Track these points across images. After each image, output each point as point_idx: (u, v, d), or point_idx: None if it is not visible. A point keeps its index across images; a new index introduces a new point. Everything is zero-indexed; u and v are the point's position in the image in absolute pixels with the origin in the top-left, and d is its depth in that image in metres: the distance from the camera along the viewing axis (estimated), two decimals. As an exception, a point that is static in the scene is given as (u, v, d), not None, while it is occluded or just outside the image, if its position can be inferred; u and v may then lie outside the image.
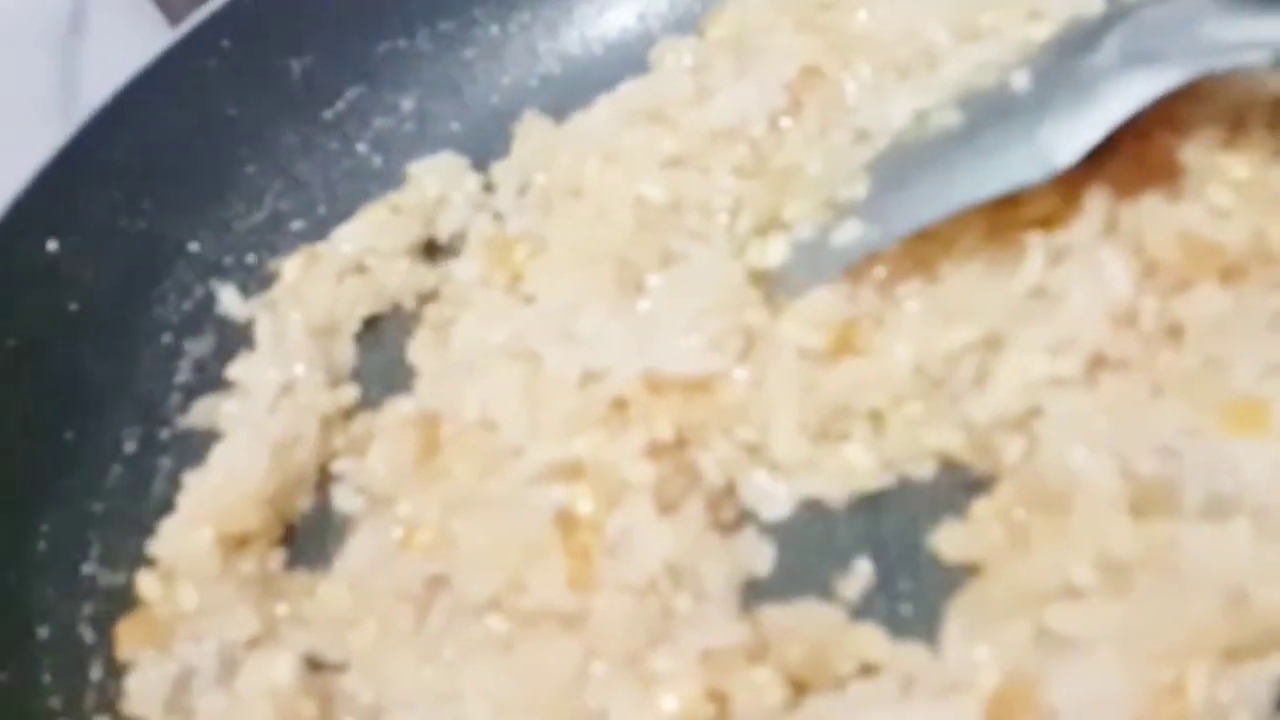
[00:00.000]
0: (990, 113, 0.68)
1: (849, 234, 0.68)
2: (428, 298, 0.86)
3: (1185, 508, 0.55)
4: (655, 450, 0.67)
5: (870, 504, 0.66)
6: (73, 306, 0.82)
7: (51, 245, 0.82)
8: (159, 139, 0.88)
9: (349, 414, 0.81)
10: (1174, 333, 0.63)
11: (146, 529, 0.76)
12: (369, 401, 0.81)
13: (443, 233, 0.89)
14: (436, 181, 0.91)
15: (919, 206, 0.66)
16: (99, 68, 1.05)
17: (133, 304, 0.85)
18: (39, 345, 0.80)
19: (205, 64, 0.90)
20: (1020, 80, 0.69)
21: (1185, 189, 0.66)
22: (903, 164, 0.70)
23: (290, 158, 0.93)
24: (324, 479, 0.79)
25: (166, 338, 0.85)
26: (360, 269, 0.88)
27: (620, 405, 0.70)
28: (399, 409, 0.77)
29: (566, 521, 0.65)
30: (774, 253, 0.72)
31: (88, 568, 0.75)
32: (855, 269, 0.68)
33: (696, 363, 0.67)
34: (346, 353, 0.85)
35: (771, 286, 0.71)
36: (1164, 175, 0.67)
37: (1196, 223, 0.64)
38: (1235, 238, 0.63)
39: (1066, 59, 0.67)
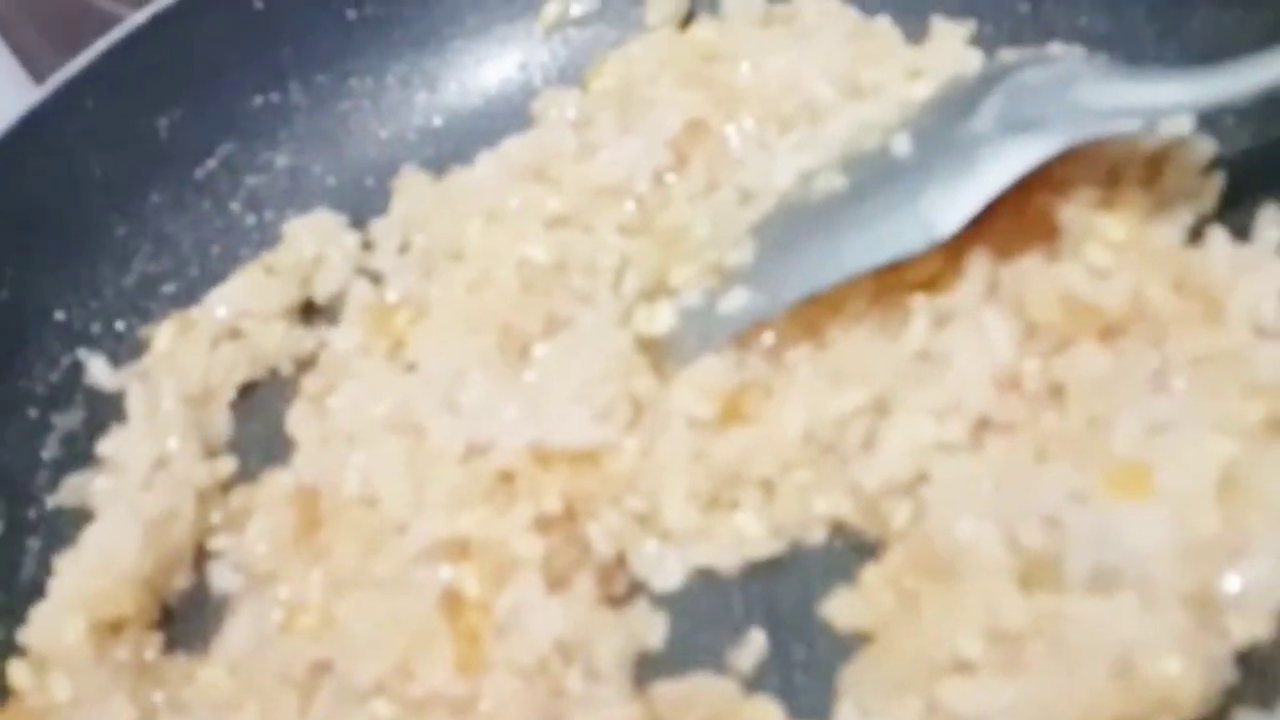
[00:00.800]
0: (873, 178, 0.68)
1: (736, 301, 0.68)
2: (306, 363, 0.83)
3: (1071, 580, 0.55)
4: (543, 523, 0.66)
5: (762, 572, 0.66)
6: (-70, 381, 0.78)
7: (-96, 317, 0.78)
8: (22, 204, 0.85)
9: (226, 487, 0.79)
10: (1057, 393, 0.64)
11: (16, 615, 0.73)
12: (247, 473, 0.79)
13: (320, 293, 0.87)
14: (313, 240, 0.89)
15: (805, 274, 0.66)
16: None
17: (-4, 379, 0.81)
18: (-105, 423, 0.76)
19: (69, 124, 0.87)
20: (902, 144, 0.69)
21: (1064, 248, 0.67)
22: (788, 229, 0.70)
23: (160, 218, 0.90)
24: (200, 556, 0.76)
25: (33, 412, 0.82)
26: (235, 334, 0.85)
27: (506, 478, 0.68)
28: (277, 483, 0.75)
29: (453, 602, 0.64)
30: (661, 319, 0.71)
31: (-48, 661, 0.71)
32: (743, 335, 0.68)
33: (584, 434, 0.66)
34: (222, 422, 0.82)
35: (659, 354, 0.70)
36: (1043, 234, 0.68)
37: (1076, 284, 0.64)
38: (1114, 298, 0.64)
39: (946, 124, 0.67)
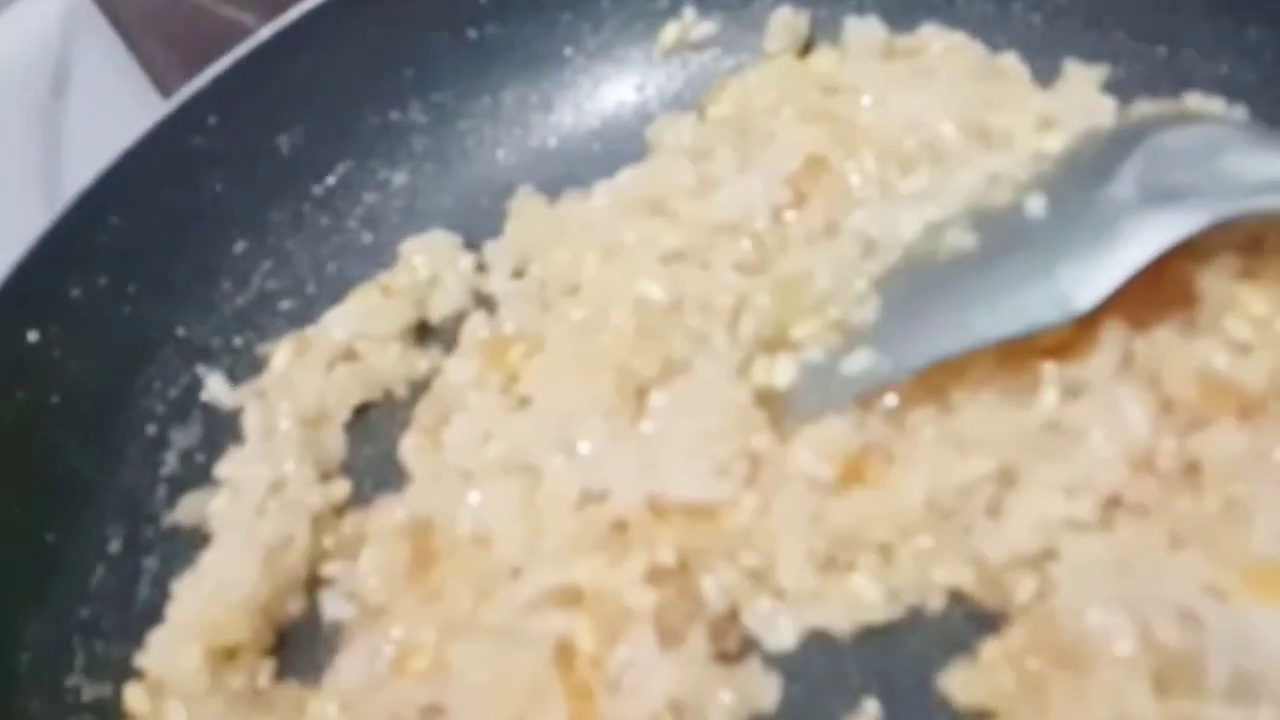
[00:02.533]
0: (1005, 241, 0.67)
1: (860, 362, 0.67)
2: (420, 386, 0.84)
3: (1210, 686, 0.54)
4: (656, 575, 0.65)
5: (878, 638, 0.65)
6: (54, 399, 0.80)
7: (32, 335, 0.80)
8: (144, 220, 0.86)
9: (340, 511, 0.79)
10: (1192, 471, 0.62)
11: (132, 636, 0.74)
12: (360, 497, 0.80)
13: (435, 315, 0.87)
14: (428, 262, 0.89)
15: (933, 339, 0.65)
16: (81, 131, 1.03)
17: (117, 394, 0.83)
18: (19, 441, 0.78)
19: (192, 141, 0.88)
20: (1035, 205, 0.67)
21: (1202, 319, 0.65)
22: (915, 288, 0.69)
23: (279, 235, 0.91)
24: (314, 582, 0.76)
25: (152, 429, 0.83)
26: (351, 355, 0.86)
27: (621, 527, 0.68)
28: (391, 514, 0.75)
29: (566, 655, 0.63)
30: (781, 374, 0.70)
31: (72, 680, 0.73)
32: (865, 396, 0.67)
33: (702, 489, 0.66)
34: (336, 445, 0.83)
35: (778, 409, 0.69)
36: (1180, 303, 0.66)
37: (1214, 360, 0.62)
38: (1254, 376, 0.62)
39: (1083, 186, 0.65)
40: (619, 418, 0.72)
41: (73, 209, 0.83)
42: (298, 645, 0.75)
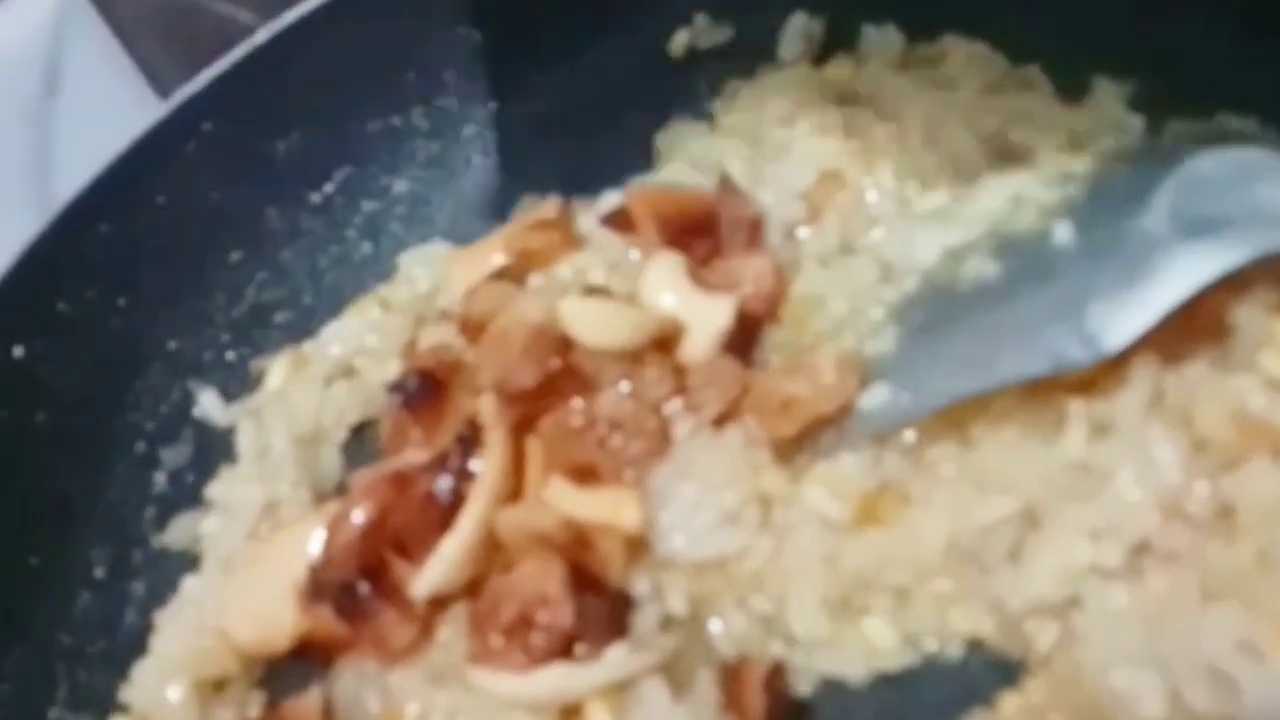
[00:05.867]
0: (1031, 271, 0.64)
1: (876, 398, 0.64)
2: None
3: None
4: (667, 623, 0.63)
5: (893, 685, 0.62)
6: (40, 417, 0.77)
7: (17, 351, 0.77)
8: (135, 230, 0.83)
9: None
10: (1225, 516, 0.59)
11: (118, 666, 0.72)
12: (355, 521, 0.76)
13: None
14: (428, 274, 0.86)
15: (953, 377, 0.62)
16: (75, 130, 1.00)
17: (105, 410, 0.80)
18: (3, 461, 0.75)
19: (185, 148, 0.85)
20: (1063, 233, 0.64)
21: (1236, 355, 0.62)
22: (935, 319, 0.66)
23: (275, 244, 0.88)
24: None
25: (141, 447, 0.80)
26: (348, 371, 0.83)
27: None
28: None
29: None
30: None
31: (55, 712, 0.71)
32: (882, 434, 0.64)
33: (713, 544, 0.63)
34: (332, 464, 0.80)
35: (789, 446, 0.66)
36: (1213, 336, 0.63)
37: (1249, 398, 0.59)
38: (1291, 416, 0.59)
39: (1114, 216, 0.62)
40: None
41: (60, 219, 0.80)
42: (288, 676, 0.72)
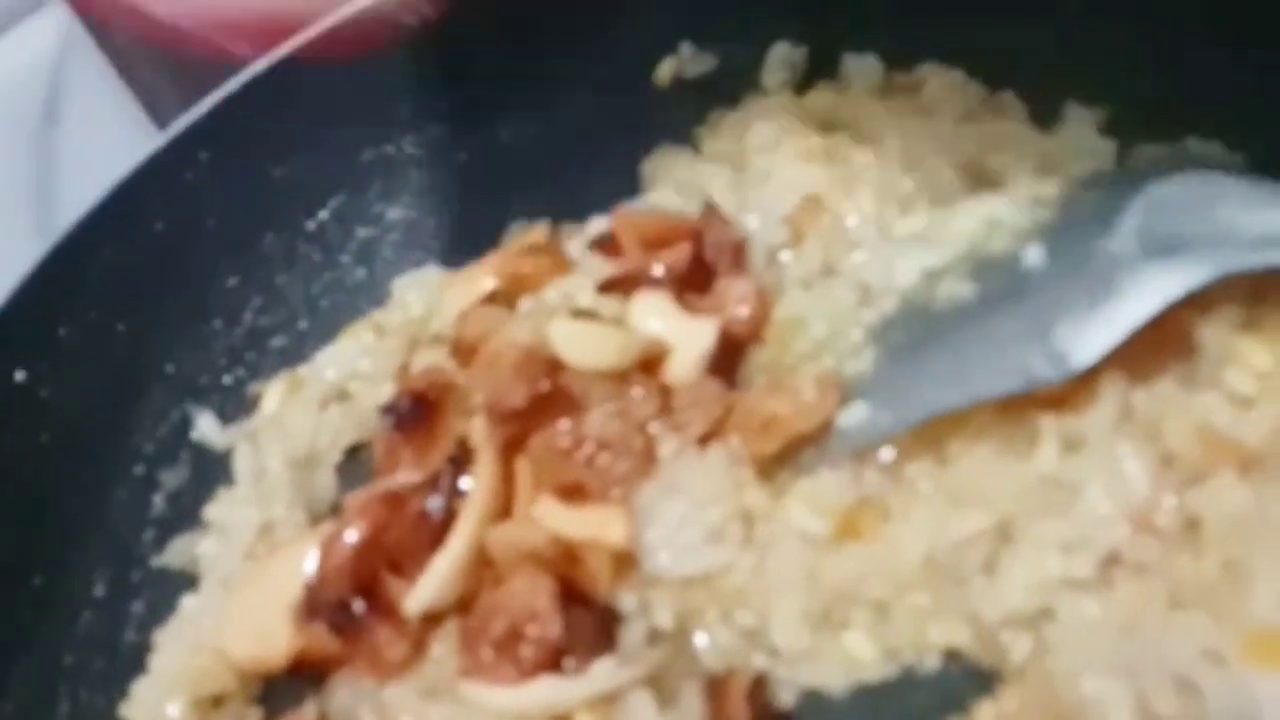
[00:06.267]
0: (1003, 292, 0.66)
1: (855, 416, 0.66)
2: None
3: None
4: (654, 638, 0.64)
5: (873, 697, 0.64)
6: (43, 439, 0.79)
7: (20, 375, 0.78)
8: (135, 256, 0.85)
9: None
10: (1191, 529, 0.61)
11: (118, 683, 0.73)
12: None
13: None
14: (421, 298, 0.88)
15: (929, 394, 0.64)
16: (75, 158, 1.02)
17: (106, 433, 0.81)
18: (7, 483, 0.77)
19: (184, 176, 0.87)
20: (1034, 255, 0.67)
21: (1202, 372, 0.64)
22: (911, 339, 0.68)
23: (271, 270, 0.90)
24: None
25: (140, 469, 0.82)
26: (343, 395, 0.85)
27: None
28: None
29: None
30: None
31: (55, 730, 0.72)
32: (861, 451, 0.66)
33: (698, 560, 0.64)
34: (327, 486, 0.82)
35: (771, 464, 0.68)
36: (1179, 353, 0.65)
37: (1215, 414, 0.61)
38: (1256, 431, 0.61)
39: (1081, 238, 0.65)
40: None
41: (61, 245, 0.82)
42: (285, 691, 0.73)
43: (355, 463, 0.83)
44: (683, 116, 0.93)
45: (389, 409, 0.74)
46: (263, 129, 0.89)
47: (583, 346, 0.69)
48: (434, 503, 0.67)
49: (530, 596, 0.62)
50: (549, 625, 0.61)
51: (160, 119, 1.04)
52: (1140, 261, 0.61)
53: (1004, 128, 0.81)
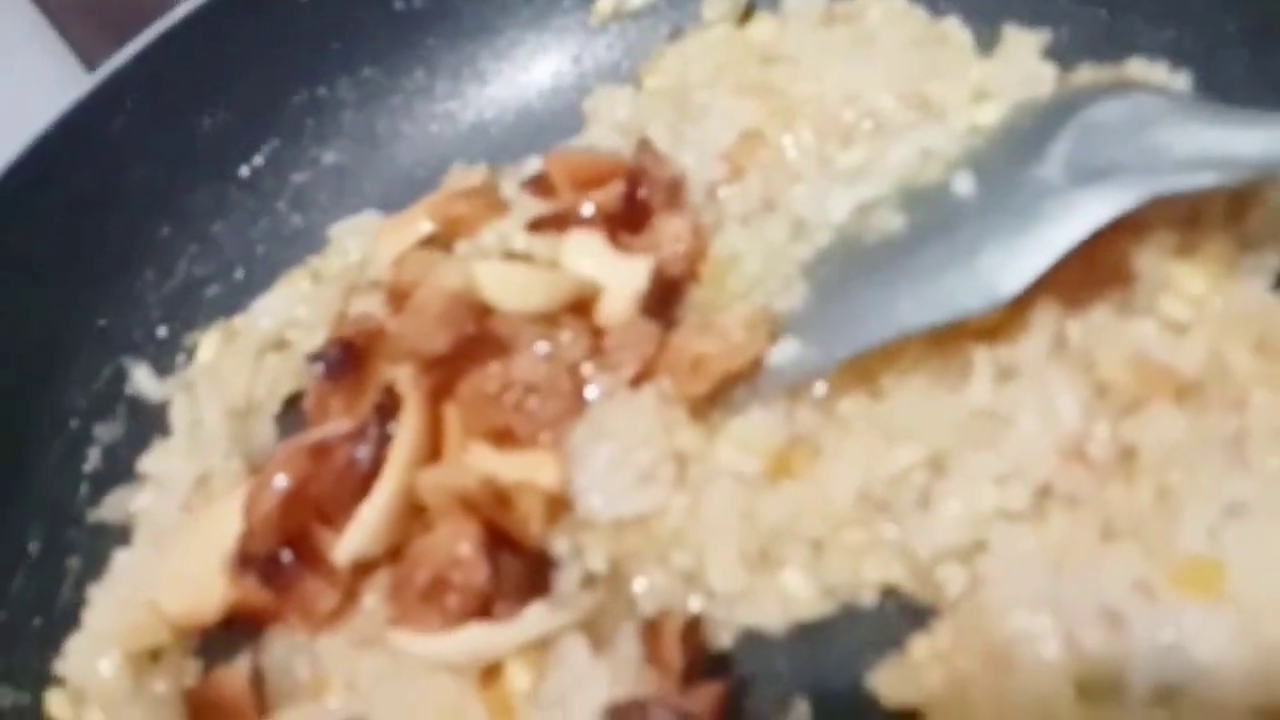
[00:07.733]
0: (932, 222, 0.65)
1: (786, 353, 0.65)
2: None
3: (1133, 694, 0.52)
4: (589, 582, 0.64)
5: (811, 635, 0.63)
6: (-31, 399, 0.77)
7: (-56, 335, 0.77)
8: (61, 209, 0.83)
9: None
10: (1126, 459, 0.60)
11: (54, 641, 0.72)
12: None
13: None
14: (359, 244, 0.87)
15: (859, 329, 0.63)
16: (3, 106, 0.99)
17: (37, 390, 0.80)
18: (-66, 444, 0.75)
19: (111, 124, 0.85)
20: (964, 183, 0.65)
21: (1137, 298, 0.63)
22: (842, 274, 0.66)
23: (204, 219, 0.89)
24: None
25: (74, 424, 0.81)
26: (281, 344, 0.83)
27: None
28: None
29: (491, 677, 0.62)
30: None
31: (-10, 687, 0.71)
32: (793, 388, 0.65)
33: (631, 503, 0.63)
34: (265, 436, 0.81)
35: (703, 404, 0.66)
36: (1114, 281, 0.64)
37: (1149, 342, 0.60)
38: (1190, 358, 0.60)
39: (1011, 165, 0.63)
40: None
41: (-17, 199, 0.80)
42: (223, 643, 0.72)
43: (296, 412, 0.81)
44: (625, 52, 0.91)
45: (317, 356, 0.72)
46: (191, 74, 0.88)
47: (509, 289, 0.68)
48: (361, 451, 0.66)
49: (455, 543, 0.61)
50: (474, 572, 0.60)
51: (92, 67, 1.01)
52: (1067, 187, 0.60)
53: (946, 55, 0.79)
